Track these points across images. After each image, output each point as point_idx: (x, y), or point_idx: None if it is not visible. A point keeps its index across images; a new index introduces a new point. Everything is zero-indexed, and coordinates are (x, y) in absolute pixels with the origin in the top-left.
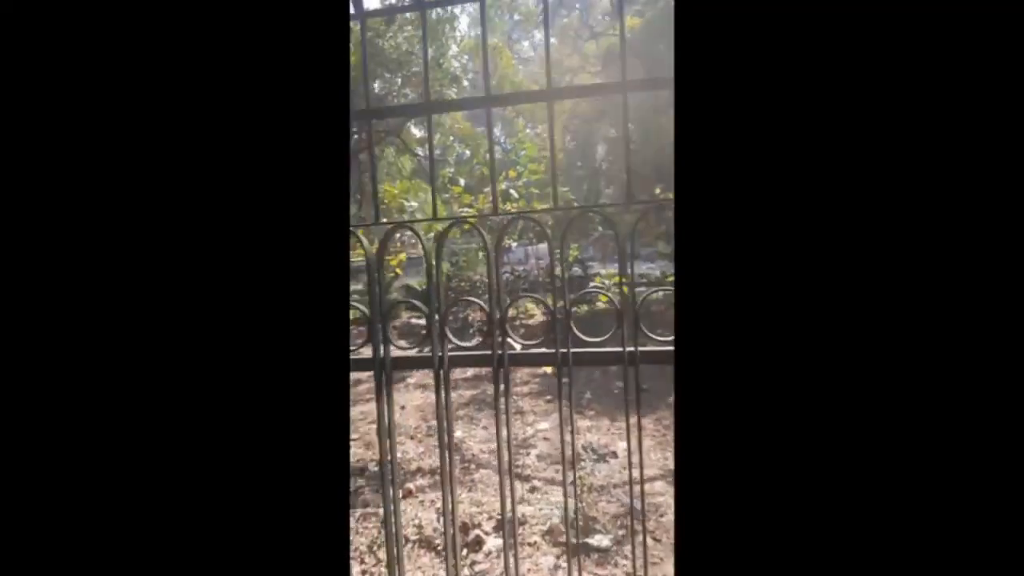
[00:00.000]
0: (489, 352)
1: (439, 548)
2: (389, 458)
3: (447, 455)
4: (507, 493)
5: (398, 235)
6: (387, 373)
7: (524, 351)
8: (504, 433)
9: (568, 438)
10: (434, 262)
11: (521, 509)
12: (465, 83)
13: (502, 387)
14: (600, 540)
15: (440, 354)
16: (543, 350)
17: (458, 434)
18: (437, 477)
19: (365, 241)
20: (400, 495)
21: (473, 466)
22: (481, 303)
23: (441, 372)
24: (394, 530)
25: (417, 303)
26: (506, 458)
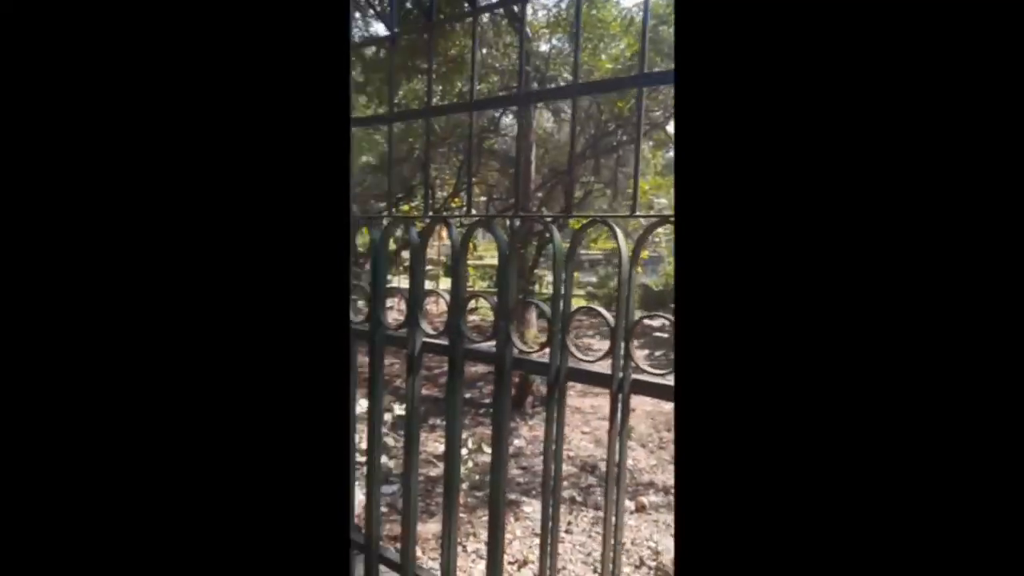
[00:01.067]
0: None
1: None
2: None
3: (616, 501)
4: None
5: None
6: (560, 385)
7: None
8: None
9: None
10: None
11: None
12: None
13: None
14: None
15: (621, 376)
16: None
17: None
18: (671, 496)
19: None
20: (632, 508)
21: None
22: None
23: (620, 397)
24: (550, 549)
25: (601, 310)
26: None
